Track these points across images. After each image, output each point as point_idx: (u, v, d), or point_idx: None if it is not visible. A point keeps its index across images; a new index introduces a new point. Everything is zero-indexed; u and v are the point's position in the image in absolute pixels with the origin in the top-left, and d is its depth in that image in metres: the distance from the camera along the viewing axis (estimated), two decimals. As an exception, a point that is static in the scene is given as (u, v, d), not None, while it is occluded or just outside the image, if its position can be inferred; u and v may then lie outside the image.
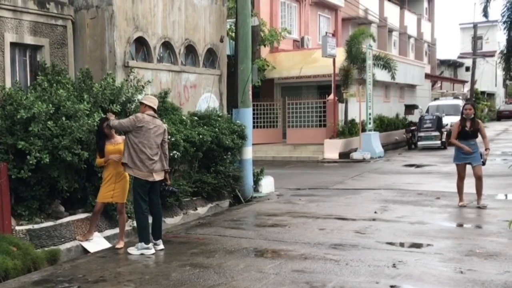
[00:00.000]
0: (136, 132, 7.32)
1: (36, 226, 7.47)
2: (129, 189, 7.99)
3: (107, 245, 7.89)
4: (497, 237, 7.90)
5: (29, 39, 9.13)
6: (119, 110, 8.76)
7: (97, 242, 7.84)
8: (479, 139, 10.32)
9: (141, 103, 7.67)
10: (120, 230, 7.95)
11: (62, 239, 7.55)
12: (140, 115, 7.46)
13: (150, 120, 7.48)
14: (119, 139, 7.82)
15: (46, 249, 7.23)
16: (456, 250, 7.26)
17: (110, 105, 8.67)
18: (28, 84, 9.12)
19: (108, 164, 7.68)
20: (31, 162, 7.39)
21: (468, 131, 10.17)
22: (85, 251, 7.65)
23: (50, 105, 7.81)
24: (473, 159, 10.18)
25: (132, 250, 7.41)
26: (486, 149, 10.21)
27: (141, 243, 7.39)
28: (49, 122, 7.68)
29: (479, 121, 10.58)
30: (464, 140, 10.19)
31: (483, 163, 10.22)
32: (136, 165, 7.31)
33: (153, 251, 7.38)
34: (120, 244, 7.79)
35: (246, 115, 12.15)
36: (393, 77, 24.73)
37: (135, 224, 8.60)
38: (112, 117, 7.76)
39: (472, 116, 10.26)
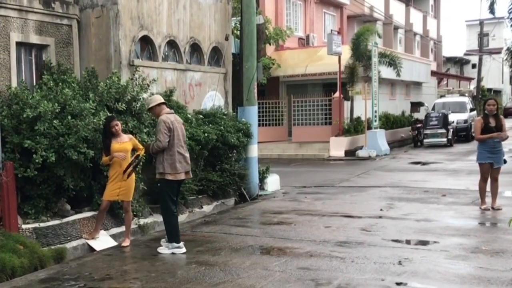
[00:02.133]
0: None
1: (42, 225, 7.50)
2: (135, 187, 8.01)
3: (113, 243, 7.91)
4: (504, 234, 7.88)
5: (34, 39, 9.16)
6: (124, 108, 8.77)
7: (103, 240, 7.86)
8: None
9: (152, 108, 7.52)
10: (126, 228, 7.97)
11: (68, 238, 7.58)
12: (165, 118, 7.29)
13: (173, 117, 7.42)
14: (125, 137, 7.84)
15: (52, 247, 7.25)
16: (462, 247, 7.24)
17: (116, 104, 8.68)
18: (34, 83, 9.15)
19: (114, 162, 7.70)
20: (37, 161, 7.42)
21: (493, 128, 9.52)
22: (91, 249, 7.67)
23: (56, 104, 7.84)
24: (496, 159, 9.62)
25: (162, 250, 7.36)
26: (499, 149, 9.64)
27: (172, 243, 7.34)
28: (55, 121, 7.70)
29: (502, 117, 10.00)
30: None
31: (505, 161, 9.75)
32: (173, 168, 7.24)
33: (184, 249, 7.32)
34: (126, 242, 7.81)
35: (251, 113, 12.15)
36: (398, 75, 24.66)
37: (141, 223, 8.67)
38: (141, 151, 7.93)
39: (495, 112, 9.66)
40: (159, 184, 7.47)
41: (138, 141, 8.25)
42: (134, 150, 8.00)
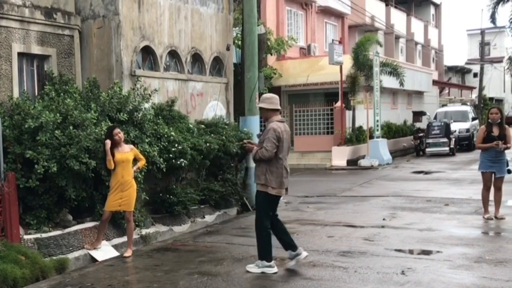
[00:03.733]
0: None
1: (44, 235, 7.49)
2: (136, 197, 8.00)
3: (115, 253, 7.90)
4: (507, 243, 7.83)
5: (36, 49, 9.18)
6: (126, 118, 8.78)
7: (105, 251, 7.84)
8: None
9: (266, 109, 6.81)
10: (128, 239, 7.95)
11: (70, 248, 7.57)
12: (276, 127, 6.64)
13: (283, 127, 6.76)
14: (127, 147, 7.85)
15: (54, 258, 7.24)
16: (465, 257, 7.20)
17: (117, 114, 8.69)
18: (36, 94, 9.17)
19: (116, 172, 7.69)
20: (39, 171, 7.42)
21: (495, 137, 9.43)
22: (93, 259, 7.65)
23: (58, 114, 7.86)
24: (498, 169, 9.53)
25: (252, 268, 6.75)
26: (501, 159, 9.51)
27: (263, 261, 6.70)
28: (56, 131, 7.71)
29: (507, 126, 9.85)
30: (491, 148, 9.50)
31: (509, 171, 9.61)
32: (278, 183, 6.64)
33: (276, 269, 6.69)
34: (128, 253, 7.79)
35: (253, 123, 12.16)
36: (401, 84, 24.68)
37: (143, 233, 8.65)
38: (142, 162, 7.92)
39: (499, 120, 9.57)
40: (257, 196, 6.83)
41: (140, 151, 8.25)
42: (135, 160, 8.00)
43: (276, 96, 6.94)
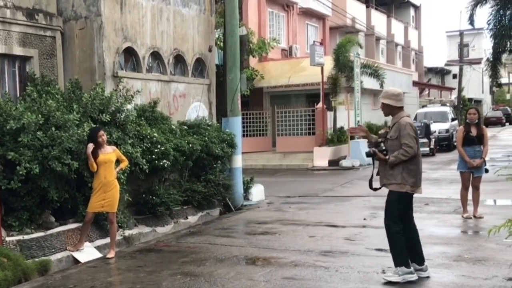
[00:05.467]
0: None
1: (26, 237, 7.45)
2: (120, 198, 8.01)
3: (98, 255, 7.89)
4: (485, 242, 7.95)
5: (18, 50, 9.14)
6: (109, 119, 8.78)
7: (88, 252, 7.83)
8: None
9: (398, 108, 6.34)
10: (111, 240, 7.95)
11: (53, 250, 7.54)
12: (411, 121, 6.28)
13: (411, 121, 6.39)
14: (109, 149, 7.85)
15: (36, 259, 7.21)
16: (445, 255, 7.32)
17: (100, 115, 8.68)
18: (18, 95, 9.12)
19: (99, 173, 7.70)
20: (21, 172, 7.38)
21: (473, 137, 9.62)
22: (76, 261, 7.64)
23: (40, 115, 7.83)
24: (476, 169, 9.66)
25: (391, 278, 6.15)
26: (481, 158, 9.64)
27: (402, 267, 6.14)
28: (38, 133, 7.68)
29: (484, 127, 10.06)
30: (469, 147, 9.66)
31: (486, 171, 9.72)
32: (417, 180, 6.23)
33: (417, 276, 6.20)
34: (111, 254, 7.79)
35: (235, 124, 12.22)
36: (382, 85, 24.89)
37: (126, 234, 8.65)
38: (125, 163, 7.90)
39: (477, 121, 9.73)
40: (390, 197, 6.33)
41: (122, 152, 8.26)
42: (117, 161, 8.01)
43: (402, 92, 6.58)
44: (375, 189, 6.52)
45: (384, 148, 6.27)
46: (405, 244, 6.21)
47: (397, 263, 6.17)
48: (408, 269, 6.12)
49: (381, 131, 6.73)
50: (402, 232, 6.23)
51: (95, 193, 7.72)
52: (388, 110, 6.37)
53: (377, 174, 6.45)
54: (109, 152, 7.80)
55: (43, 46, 9.58)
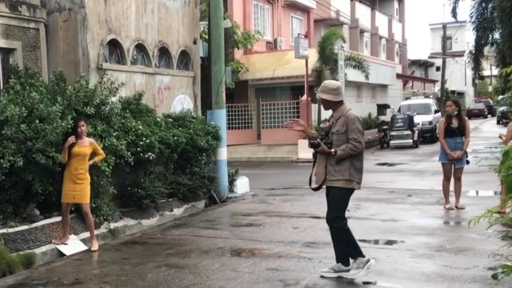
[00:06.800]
0: None
1: (10, 230, 7.42)
2: (94, 193, 7.97)
3: (83, 247, 7.90)
4: (467, 232, 8.07)
5: (1, 42, 9.07)
6: (93, 112, 8.76)
7: (73, 245, 7.83)
8: None
9: (338, 102, 6.13)
10: (90, 232, 7.93)
11: (38, 243, 7.53)
12: (357, 116, 6.14)
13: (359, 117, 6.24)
14: (86, 141, 7.84)
15: (21, 252, 7.20)
16: (427, 246, 7.42)
17: (84, 107, 8.66)
18: (1, 87, 9.06)
19: (70, 163, 7.70)
20: (4, 165, 7.35)
21: (454, 129, 9.77)
22: (61, 254, 7.64)
23: (23, 108, 7.78)
24: (458, 160, 9.78)
25: (356, 273, 6.01)
26: (462, 150, 9.75)
27: (359, 258, 6.05)
28: (22, 125, 7.65)
29: (466, 118, 10.16)
30: (451, 138, 9.80)
31: (467, 162, 9.87)
32: (358, 176, 6.13)
33: (373, 261, 6.13)
34: (95, 246, 7.79)
35: (220, 116, 12.24)
36: (366, 77, 25.04)
37: (111, 227, 8.66)
38: (101, 157, 7.81)
39: (456, 112, 9.83)
40: (336, 194, 6.13)
41: (108, 145, 8.24)
42: (94, 154, 8.00)
43: (341, 85, 6.31)
44: (314, 189, 6.29)
45: (329, 141, 6.05)
46: (353, 236, 6.08)
47: (355, 255, 6.07)
48: (364, 258, 6.04)
49: (323, 125, 6.62)
50: (347, 227, 6.10)
51: (64, 183, 7.74)
52: (328, 105, 6.17)
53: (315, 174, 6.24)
54: (85, 145, 7.79)
55: (26, 38, 9.51)
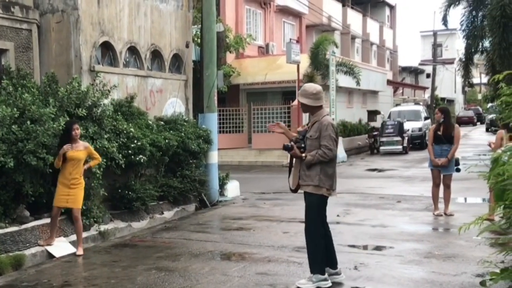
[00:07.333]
0: None
1: (0, 231, 7.39)
2: (84, 195, 7.94)
3: (73, 250, 7.86)
4: (455, 239, 8.13)
5: (-7, 43, 9.06)
6: (85, 114, 8.75)
7: (62, 247, 7.81)
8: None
9: (317, 107, 6.06)
10: (78, 237, 7.86)
11: (27, 244, 7.51)
12: (332, 122, 6.04)
13: (334, 124, 6.13)
14: (81, 145, 7.78)
15: (10, 254, 7.16)
16: (416, 252, 7.47)
17: (76, 109, 8.65)
18: (-8, 88, 9.03)
19: (65, 168, 7.66)
20: (-5, 166, 7.33)
21: (440, 136, 9.87)
22: (51, 256, 7.60)
23: (15, 109, 7.77)
24: (444, 167, 9.86)
25: (305, 285, 5.96)
26: (446, 157, 9.77)
27: (317, 274, 5.96)
28: (13, 126, 7.63)
29: (456, 126, 10.20)
30: (437, 145, 9.90)
31: (458, 170, 9.88)
32: (332, 183, 6.05)
33: (330, 283, 5.99)
34: (80, 251, 7.71)
35: (211, 120, 12.27)
36: (358, 83, 25.14)
37: (101, 229, 8.64)
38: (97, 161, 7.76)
39: (442, 120, 9.91)
40: (308, 202, 6.12)
41: (99, 147, 8.23)
42: (89, 158, 7.96)
43: (321, 90, 6.17)
44: (292, 191, 6.32)
45: (303, 145, 6.01)
46: (324, 249, 6.04)
47: (314, 270, 5.98)
48: (322, 276, 5.95)
49: (299, 129, 6.65)
50: (323, 236, 6.07)
51: (58, 187, 7.69)
52: (307, 109, 6.10)
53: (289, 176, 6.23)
54: (80, 150, 7.73)
55: (19, 39, 9.50)
